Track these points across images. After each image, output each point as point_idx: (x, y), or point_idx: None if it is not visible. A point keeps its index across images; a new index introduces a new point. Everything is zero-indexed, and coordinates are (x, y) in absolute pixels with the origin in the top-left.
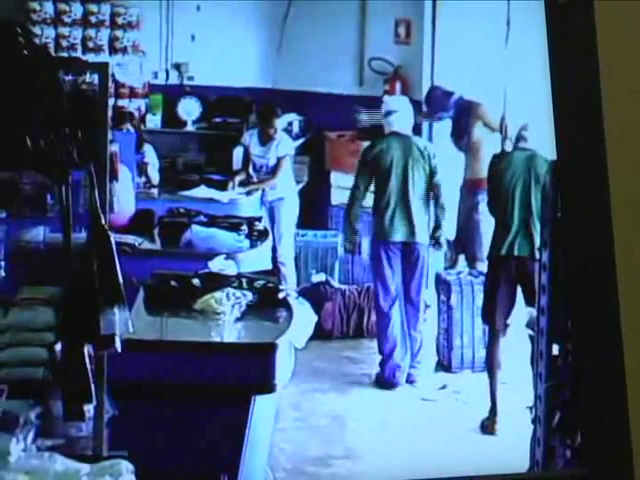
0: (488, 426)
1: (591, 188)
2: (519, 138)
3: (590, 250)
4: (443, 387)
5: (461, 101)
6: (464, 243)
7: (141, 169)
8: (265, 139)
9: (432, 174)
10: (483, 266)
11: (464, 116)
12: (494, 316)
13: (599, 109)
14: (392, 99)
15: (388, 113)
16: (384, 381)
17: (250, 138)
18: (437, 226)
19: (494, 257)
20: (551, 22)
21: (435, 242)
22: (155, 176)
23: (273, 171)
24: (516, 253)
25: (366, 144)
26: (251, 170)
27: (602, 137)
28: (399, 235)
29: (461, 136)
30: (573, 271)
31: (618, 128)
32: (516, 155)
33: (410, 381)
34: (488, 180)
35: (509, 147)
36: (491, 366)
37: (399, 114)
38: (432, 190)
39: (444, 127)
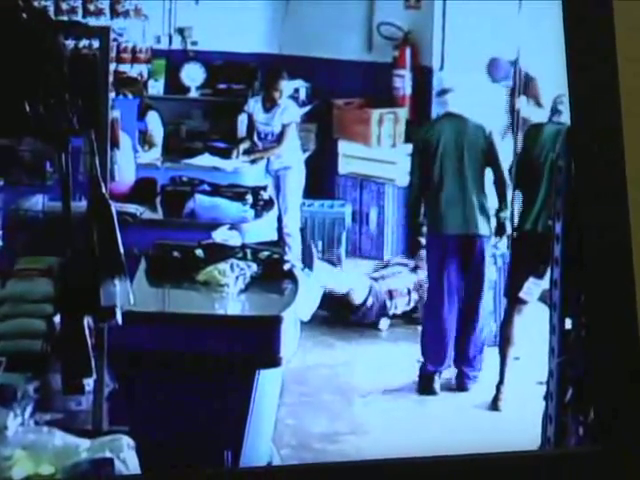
0: (493, 402)
1: (606, 157)
2: (554, 111)
3: (604, 220)
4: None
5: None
6: None
7: (145, 137)
8: (269, 105)
9: (490, 156)
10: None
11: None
12: (515, 291)
13: (615, 75)
14: (448, 75)
15: (442, 92)
16: (423, 388)
17: (254, 105)
18: (500, 208)
19: (519, 232)
20: None
21: (498, 226)
22: (159, 143)
23: (278, 139)
24: (540, 229)
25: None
26: (255, 138)
27: (618, 105)
28: (453, 227)
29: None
30: (586, 242)
31: (635, 96)
32: (548, 128)
33: (463, 388)
34: (521, 152)
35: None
36: (504, 342)
37: (455, 93)
38: (492, 171)
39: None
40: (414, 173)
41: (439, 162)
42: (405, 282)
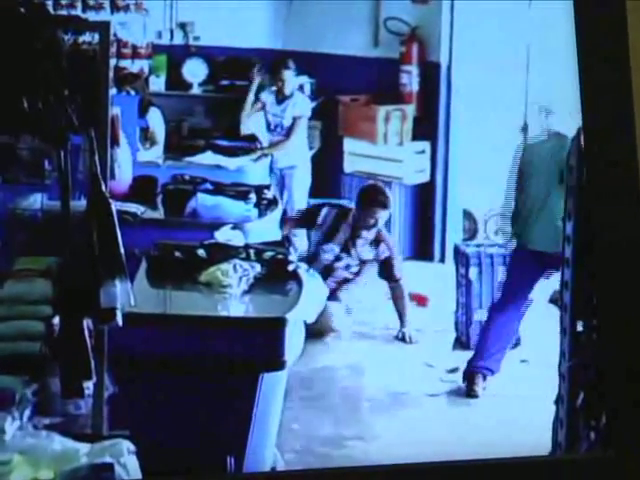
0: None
1: (617, 156)
2: None
3: (616, 220)
4: (454, 370)
5: None
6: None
7: (146, 134)
8: (281, 96)
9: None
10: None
11: None
12: None
13: (627, 75)
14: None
15: (548, 112)
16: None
17: (268, 96)
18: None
19: None
20: None
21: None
22: (161, 141)
23: (288, 132)
24: None
25: None
26: (265, 131)
27: (630, 104)
28: (533, 243)
29: None
30: (598, 243)
31: None
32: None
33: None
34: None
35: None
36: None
37: (558, 115)
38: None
39: None
40: (516, 189)
41: (530, 179)
42: (347, 270)
